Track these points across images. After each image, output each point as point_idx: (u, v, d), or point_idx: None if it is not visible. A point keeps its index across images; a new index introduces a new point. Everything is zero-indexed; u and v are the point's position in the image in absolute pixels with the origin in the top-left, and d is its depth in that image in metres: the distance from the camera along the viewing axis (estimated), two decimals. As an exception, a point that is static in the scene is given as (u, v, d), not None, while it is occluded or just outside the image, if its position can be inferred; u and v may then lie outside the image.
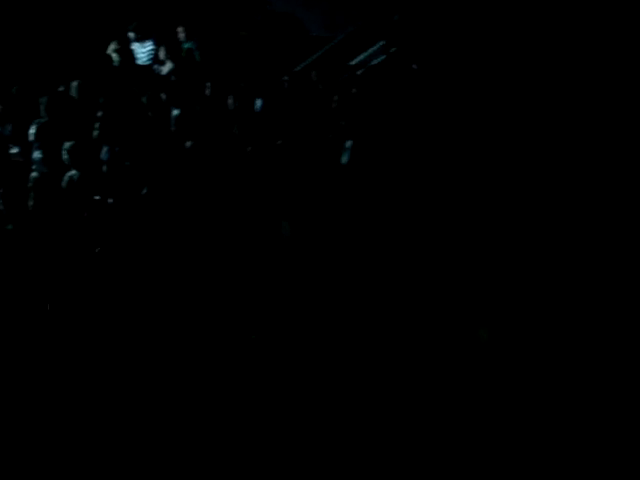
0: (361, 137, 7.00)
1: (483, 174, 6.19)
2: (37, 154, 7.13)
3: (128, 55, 9.72)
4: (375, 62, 9.40)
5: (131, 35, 10.33)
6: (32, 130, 7.28)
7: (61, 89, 8.75)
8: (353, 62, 9.53)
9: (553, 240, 5.31)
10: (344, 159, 6.93)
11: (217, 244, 6.14)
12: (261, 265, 5.81)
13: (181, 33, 10.08)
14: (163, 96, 8.30)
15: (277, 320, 5.34)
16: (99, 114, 7.98)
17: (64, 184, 6.63)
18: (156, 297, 5.76)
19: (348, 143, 6.92)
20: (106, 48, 9.94)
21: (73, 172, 6.68)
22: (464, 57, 7.96)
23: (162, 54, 9.65)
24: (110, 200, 6.65)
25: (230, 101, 7.84)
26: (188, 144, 7.19)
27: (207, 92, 8.14)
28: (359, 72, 9.20)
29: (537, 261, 5.20)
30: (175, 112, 8.11)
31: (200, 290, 5.70)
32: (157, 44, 10.01)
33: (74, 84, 8.40)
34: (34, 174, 7.03)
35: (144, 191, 6.72)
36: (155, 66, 9.67)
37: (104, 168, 7.06)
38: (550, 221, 5.47)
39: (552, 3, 7.54)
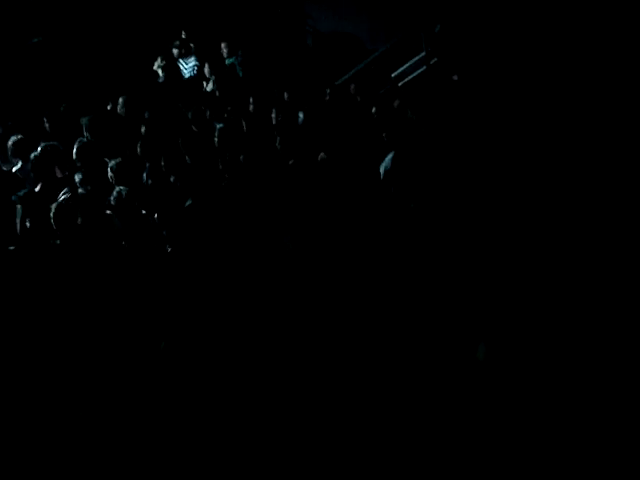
0: (401, 149, 7.04)
1: (528, 188, 6.18)
2: (78, 175, 7.25)
3: (174, 70, 9.87)
4: (416, 74, 9.44)
5: (175, 51, 10.50)
6: (74, 149, 7.42)
7: (108, 107, 8.95)
8: (394, 74, 9.58)
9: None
10: (382, 170, 6.97)
11: (258, 256, 6.22)
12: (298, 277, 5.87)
13: (224, 49, 10.21)
14: (207, 111, 8.45)
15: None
16: (143, 129, 8.13)
17: (113, 200, 6.75)
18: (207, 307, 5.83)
19: (389, 156, 6.96)
20: (152, 64, 10.12)
21: (121, 187, 6.81)
22: (505, 68, 7.97)
23: (206, 70, 9.78)
24: (155, 215, 6.76)
25: (273, 115, 7.95)
26: (232, 158, 7.29)
27: (250, 107, 8.27)
28: (400, 84, 9.26)
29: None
30: (219, 126, 8.25)
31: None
32: (200, 60, 10.16)
33: (121, 100, 8.56)
34: (80, 190, 7.18)
35: (188, 203, 6.82)
36: (199, 81, 9.80)
37: (148, 182, 7.18)
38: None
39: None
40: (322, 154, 7.13)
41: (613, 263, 4.96)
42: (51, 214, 6.31)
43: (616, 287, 4.84)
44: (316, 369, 5.08)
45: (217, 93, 8.86)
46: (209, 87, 9.50)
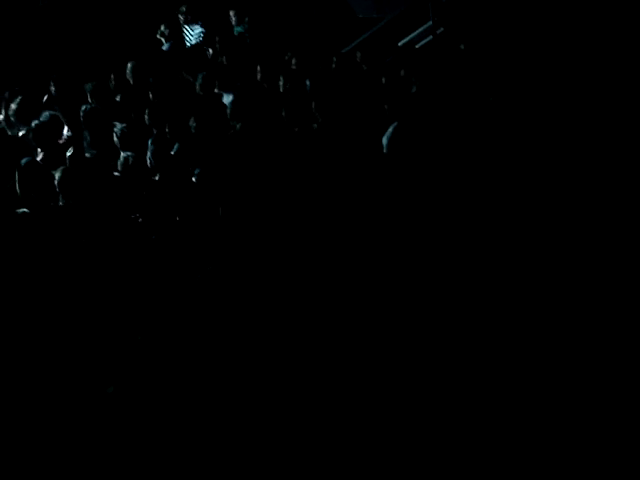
0: (406, 120, 7.00)
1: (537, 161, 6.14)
2: (86, 139, 7.25)
3: (178, 38, 9.81)
4: (422, 43, 9.39)
5: (181, 18, 10.43)
6: (81, 115, 7.41)
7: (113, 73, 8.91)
8: (400, 43, 9.53)
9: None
10: (385, 141, 6.93)
11: (263, 225, 6.21)
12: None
13: (233, 17, 10.14)
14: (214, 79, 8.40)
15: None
16: (150, 96, 8.11)
17: (120, 166, 6.75)
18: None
19: (391, 127, 6.92)
20: (156, 31, 10.06)
21: (128, 153, 6.80)
22: (512, 38, 7.92)
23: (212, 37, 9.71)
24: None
25: (281, 83, 7.91)
26: (238, 126, 7.26)
27: (258, 75, 8.23)
28: (406, 53, 9.20)
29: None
30: (226, 96, 8.22)
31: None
32: (207, 27, 10.10)
33: (129, 65, 8.52)
34: (87, 154, 7.18)
35: (196, 172, 6.80)
36: (206, 49, 9.75)
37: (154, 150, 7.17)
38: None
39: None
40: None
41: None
42: (56, 178, 6.32)
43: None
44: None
45: (224, 61, 8.81)
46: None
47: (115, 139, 7.19)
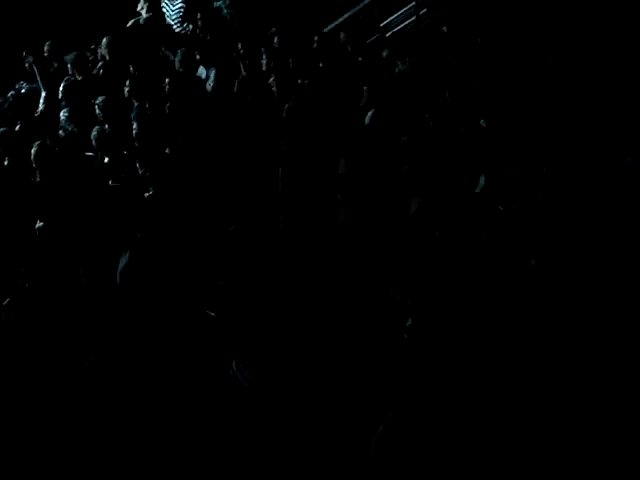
0: (387, 100, 6.96)
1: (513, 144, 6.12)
2: (64, 112, 7.15)
3: (157, 13, 9.68)
4: (405, 24, 9.33)
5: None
6: (61, 88, 7.32)
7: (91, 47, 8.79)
8: (383, 24, 9.46)
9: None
10: (367, 121, 6.89)
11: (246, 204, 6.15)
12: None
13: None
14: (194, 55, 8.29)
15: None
16: (131, 70, 8.00)
17: (93, 138, 6.66)
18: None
19: (370, 113, 6.87)
20: (135, 5, 9.91)
21: (104, 126, 6.72)
22: (495, 20, 7.88)
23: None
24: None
25: (264, 60, 7.83)
26: (222, 103, 7.18)
27: (240, 51, 8.13)
28: (388, 34, 9.16)
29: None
30: (203, 71, 8.12)
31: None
32: (187, 2, 9.96)
33: (104, 41, 8.41)
34: (61, 132, 7.09)
35: (171, 148, 6.72)
36: (185, 25, 9.64)
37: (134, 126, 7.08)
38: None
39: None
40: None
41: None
42: (32, 154, 6.25)
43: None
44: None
45: (204, 36, 8.71)
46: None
47: (97, 111, 7.10)
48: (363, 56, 7.89)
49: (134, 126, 6.75)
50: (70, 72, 7.76)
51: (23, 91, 7.19)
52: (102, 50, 8.49)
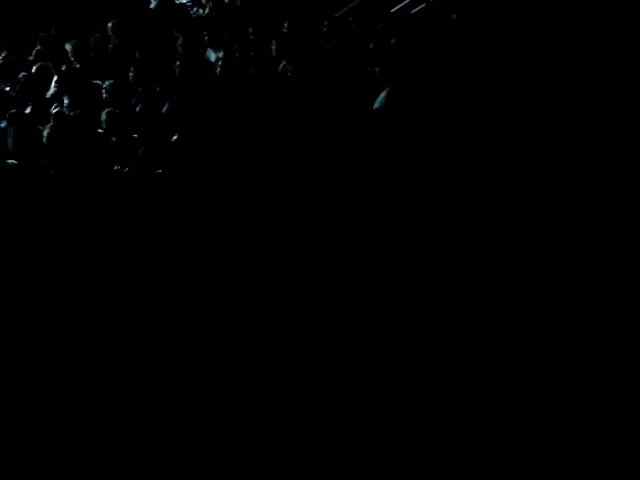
0: (397, 86, 6.96)
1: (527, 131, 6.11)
2: (66, 99, 7.20)
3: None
4: (415, 10, 9.31)
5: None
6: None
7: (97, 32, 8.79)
8: (393, 10, 9.44)
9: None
10: (377, 105, 6.90)
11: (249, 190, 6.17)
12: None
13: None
14: (202, 39, 8.30)
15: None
16: (137, 54, 8.01)
17: (103, 121, 6.71)
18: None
19: (383, 93, 6.89)
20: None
21: (112, 109, 6.76)
22: (504, 8, 7.87)
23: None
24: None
25: (273, 46, 7.84)
26: (227, 89, 7.20)
27: (250, 36, 8.13)
28: (398, 20, 9.13)
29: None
30: (213, 55, 8.12)
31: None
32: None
33: (110, 24, 8.43)
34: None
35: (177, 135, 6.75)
36: (194, 8, 9.64)
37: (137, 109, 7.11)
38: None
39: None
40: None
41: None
42: (44, 136, 6.28)
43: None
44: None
45: (214, 20, 8.71)
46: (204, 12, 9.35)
47: (104, 95, 7.13)
48: (373, 42, 7.89)
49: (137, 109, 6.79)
50: (71, 59, 7.80)
51: (33, 70, 7.20)
52: (108, 33, 8.51)
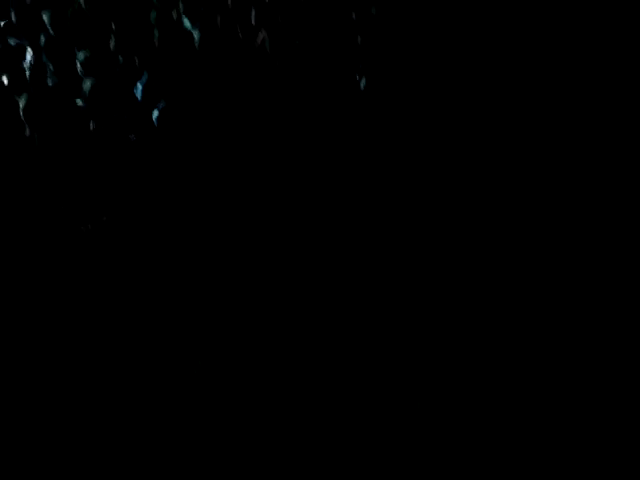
0: (380, 61, 6.91)
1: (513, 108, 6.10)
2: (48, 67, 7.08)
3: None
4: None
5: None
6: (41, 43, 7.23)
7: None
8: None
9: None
10: (363, 84, 6.86)
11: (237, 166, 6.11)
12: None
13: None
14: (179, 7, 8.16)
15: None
16: (112, 25, 7.86)
17: (86, 89, 6.61)
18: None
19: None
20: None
21: (92, 79, 6.65)
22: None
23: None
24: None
25: (253, 14, 7.72)
26: (209, 57, 7.11)
27: (228, 3, 8.02)
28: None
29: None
30: (188, 24, 7.98)
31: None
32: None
33: (82, -7, 8.26)
34: (49, 82, 6.97)
35: (160, 106, 6.67)
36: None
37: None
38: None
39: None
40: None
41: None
42: (21, 106, 6.16)
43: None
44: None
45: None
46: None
47: (79, 67, 6.99)
48: (353, 10, 7.80)
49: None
50: (47, 27, 7.63)
51: (12, 43, 7.07)
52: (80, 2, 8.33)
